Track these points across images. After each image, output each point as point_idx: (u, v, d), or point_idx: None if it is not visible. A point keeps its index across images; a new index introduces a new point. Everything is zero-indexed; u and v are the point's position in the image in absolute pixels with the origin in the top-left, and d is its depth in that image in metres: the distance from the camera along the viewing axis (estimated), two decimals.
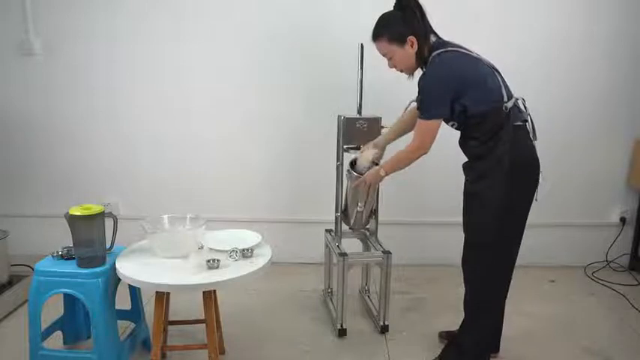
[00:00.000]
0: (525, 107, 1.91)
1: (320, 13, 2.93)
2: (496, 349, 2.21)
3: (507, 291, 2.08)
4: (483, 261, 1.97)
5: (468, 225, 2.01)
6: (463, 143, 1.98)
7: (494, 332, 2.17)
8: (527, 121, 1.89)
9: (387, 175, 2.09)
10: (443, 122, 1.92)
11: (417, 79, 1.94)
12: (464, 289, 2.08)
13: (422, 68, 1.97)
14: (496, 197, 1.86)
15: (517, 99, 1.88)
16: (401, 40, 1.90)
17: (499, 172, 1.85)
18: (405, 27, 1.89)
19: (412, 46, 1.90)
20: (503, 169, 1.84)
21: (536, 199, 1.96)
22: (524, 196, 1.93)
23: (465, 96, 1.82)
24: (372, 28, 1.96)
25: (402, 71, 2.01)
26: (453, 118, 1.91)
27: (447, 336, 2.31)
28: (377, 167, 2.14)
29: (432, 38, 1.94)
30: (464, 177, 2.01)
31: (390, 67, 2.01)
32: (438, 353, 2.18)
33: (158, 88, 3.04)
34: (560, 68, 2.99)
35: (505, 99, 1.84)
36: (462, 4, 2.85)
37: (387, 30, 1.92)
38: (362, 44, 2.28)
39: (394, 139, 2.23)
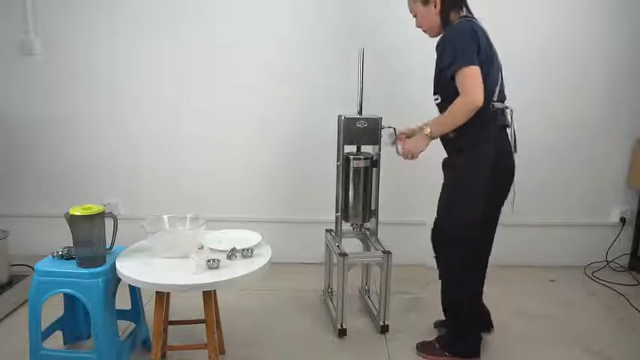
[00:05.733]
0: (512, 118, 1.94)
1: (321, 12, 2.93)
2: (490, 325, 2.32)
3: (484, 277, 2.15)
4: (462, 256, 2.03)
5: (449, 220, 2.05)
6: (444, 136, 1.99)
7: (482, 313, 2.27)
8: (509, 126, 1.94)
9: (433, 137, 1.95)
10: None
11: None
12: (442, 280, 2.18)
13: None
14: (477, 193, 1.92)
15: (507, 107, 1.94)
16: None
17: (482, 168, 1.90)
18: None
19: (435, 7, 1.96)
20: (486, 166, 1.89)
21: (512, 212, 2.03)
22: (499, 195, 2.01)
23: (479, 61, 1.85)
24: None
25: (425, 32, 2.06)
26: (443, 91, 1.93)
27: (442, 325, 2.38)
28: (419, 134, 2.00)
29: (463, 12, 1.98)
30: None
31: (416, 26, 2.08)
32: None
33: (158, 87, 3.04)
34: (561, 68, 2.99)
35: (495, 97, 1.90)
36: None
37: None
38: (363, 49, 2.30)
39: None
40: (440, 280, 2.19)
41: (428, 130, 1.92)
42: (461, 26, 1.90)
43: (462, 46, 1.83)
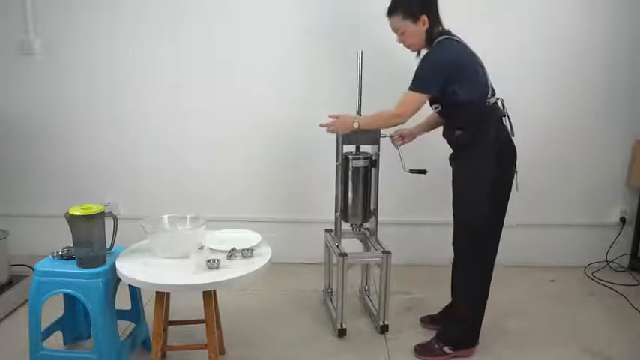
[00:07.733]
0: (504, 106, 2.06)
1: (321, 12, 2.93)
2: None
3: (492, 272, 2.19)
4: (481, 246, 2.10)
5: (463, 213, 2.11)
6: (449, 134, 2.11)
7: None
8: (505, 116, 2.06)
9: (359, 128, 2.18)
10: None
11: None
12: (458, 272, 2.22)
13: (426, 49, 2.08)
14: (487, 183, 2.00)
15: (498, 98, 2.05)
16: (415, 17, 2.02)
17: (488, 160, 1.98)
18: (421, 6, 2.02)
19: (424, 24, 2.03)
20: (491, 157, 1.98)
21: (516, 190, 2.10)
22: (507, 182, 2.08)
23: (457, 82, 1.95)
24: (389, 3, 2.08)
25: (409, 47, 2.12)
26: (440, 100, 2.03)
27: (430, 320, 2.44)
28: (352, 117, 2.23)
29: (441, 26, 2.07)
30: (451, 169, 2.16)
31: (399, 42, 2.13)
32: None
33: (158, 87, 3.04)
34: (560, 67, 2.99)
35: (489, 94, 2.00)
36: (464, 3, 2.85)
37: (404, 6, 2.04)
38: (362, 51, 2.31)
39: (426, 132, 2.40)
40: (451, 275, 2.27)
41: (357, 124, 2.17)
42: (440, 51, 1.98)
43: (425, 73, 1.98)
